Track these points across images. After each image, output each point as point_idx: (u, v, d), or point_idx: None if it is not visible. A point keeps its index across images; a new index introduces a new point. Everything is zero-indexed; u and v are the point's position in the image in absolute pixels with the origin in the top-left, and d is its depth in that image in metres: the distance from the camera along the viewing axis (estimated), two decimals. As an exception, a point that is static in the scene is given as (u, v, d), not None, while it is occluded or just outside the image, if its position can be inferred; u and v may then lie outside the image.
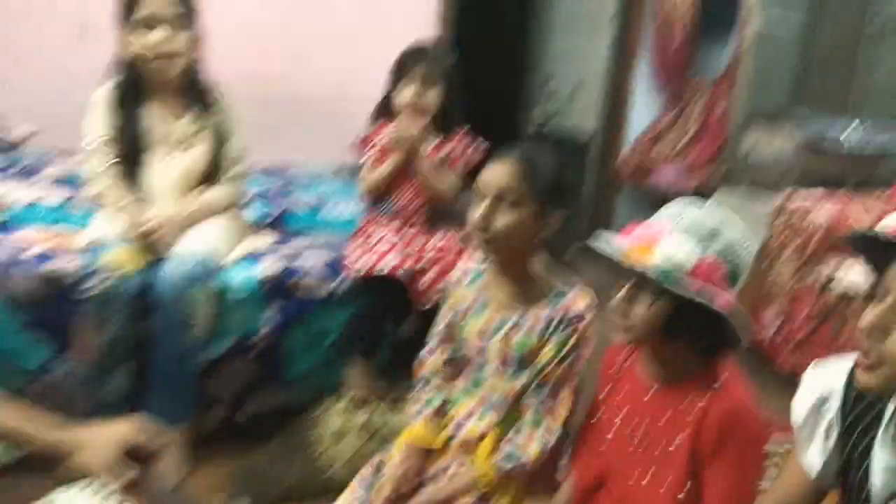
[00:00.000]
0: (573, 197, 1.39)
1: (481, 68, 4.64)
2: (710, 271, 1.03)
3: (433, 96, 1.91)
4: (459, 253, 1.94)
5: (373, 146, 1.99)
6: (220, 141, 1.91)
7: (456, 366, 1.46)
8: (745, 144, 3.12)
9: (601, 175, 4.34)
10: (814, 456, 1.02)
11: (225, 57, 3.36)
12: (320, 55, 3.71)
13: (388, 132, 1.91)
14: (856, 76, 3.33)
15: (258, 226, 2.15)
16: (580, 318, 1.30)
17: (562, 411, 1.30)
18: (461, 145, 2.00)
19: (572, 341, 1.30)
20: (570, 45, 4.60)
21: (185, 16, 1.82)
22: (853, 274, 2.25)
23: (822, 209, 2.42)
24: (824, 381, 1.03)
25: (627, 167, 4.23)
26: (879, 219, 2.42)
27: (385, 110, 2.02)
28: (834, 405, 1.00)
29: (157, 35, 1.75)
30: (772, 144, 2.92)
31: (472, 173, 1.58)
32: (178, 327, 1.66)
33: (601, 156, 4.30)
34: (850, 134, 2.83)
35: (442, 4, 3.83)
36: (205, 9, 3.38)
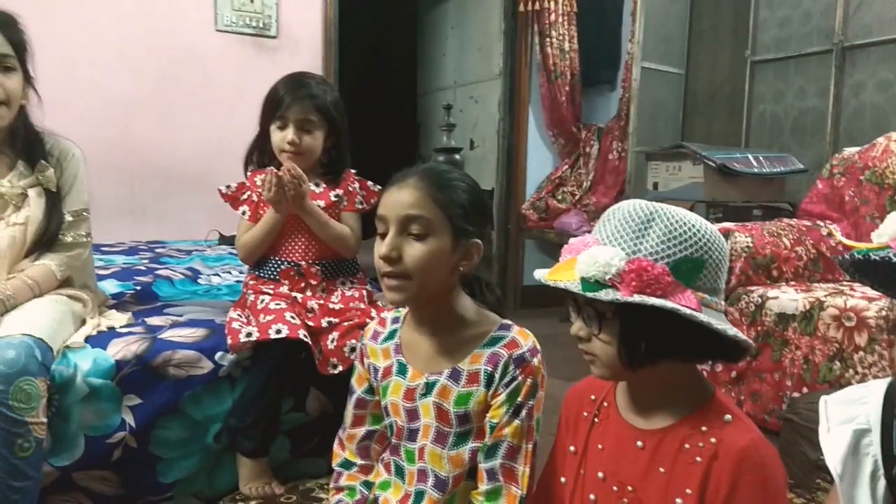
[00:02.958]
0: (490, 222, 1.12)
1: (370, 129, 4.50)
2: (642, 271, 0.80)
3: (317, 136, 1.64)
4: (369, 306, 1.65)
5: (247, 200, 1.69)
6: (53, 200, 1.54)
7: (381, 440, 1.16)
8: (650, 178, 3.05)
9: (506, 224, 4.24)
10: None
11: (86, 124, 3.05)
12: (189, 123, 3.39)
13: (264, 181, 1.60)
14: (738, 112, 3.41)
15: (118, 300, 1.76)
16: (527, 360, 1.05)
17: (524, 473, 1.03)
18: (353, 188, 1.72)
19: (525, 389, 1.03)
20: (460, 103, 4.55)
21: (14, 56, 1.48)
22: (787, 294, 2.13)
23: (742, 233, 2.33)
24: (854, 411, 0.82)
25: (531, 216, 4.15)
26: (797, 242, 2.38)
27: (258, 156, 1.72)
28: (875, 440, 0.78)
29: None
30: (678, 175, 2.85)
31: (369, 218, 1.32)
32: (2, 435, 1.24)
33: (504, 206, 4.22)
34: (752, 161, 2.82)
35: (324, 71, 3.65)
36: (64, 72, 3.11)
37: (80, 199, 1.60)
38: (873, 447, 0.78)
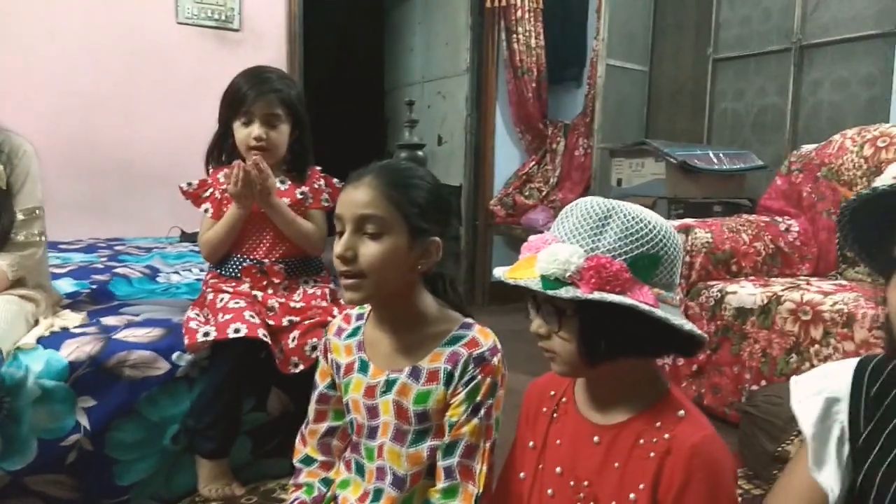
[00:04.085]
0: (453, 219, 1.12)
1: (337, 125, 4.46)
2: (601, 268, 0.81)
3: (283, 130, 1.62)
4: (331, 304, 1.63)
5: (209, 197, 1.66)
6: (4, 198, 1.50)
7: (343, 437, 1.17)
8: (614, 174, 3.08)
9: (474, 220, 4.25)
10: (829, 476, 0.82)
11: (44, 119, 2.97)
12: (150, 118, 3.32)
13: (228, 177, 1.57)
14: (700, 109, 3.46)
15: (74, 299, 1.72)
16: (487, 359, 1.05)
17: (482, 471, 1.04)
18: (319, 186, 1.71)
19: (484, 388, 1.04)
20: (427, 99, 4.53)
21: None
22: (745, 289, 2.17)
23: (702, 228, 2.37)
24: (825, 383, 0.86)
25: (499, 211, 4.16)
26: (755, 238, 2.42)
27: (220, 152, 1.70)
28: (843, 408, 0.83)
29: None
30: (641, 172, 2.89)
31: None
32: (-52, 441, 1.21)
33: (472, 202, 4.23)
34: (712, 157, 2.86)
35: (288, 65, 3.60)
36: (21, 65, 3.01)
37: (33, 198, 1.56)
38: (841, 414, 0.82)
